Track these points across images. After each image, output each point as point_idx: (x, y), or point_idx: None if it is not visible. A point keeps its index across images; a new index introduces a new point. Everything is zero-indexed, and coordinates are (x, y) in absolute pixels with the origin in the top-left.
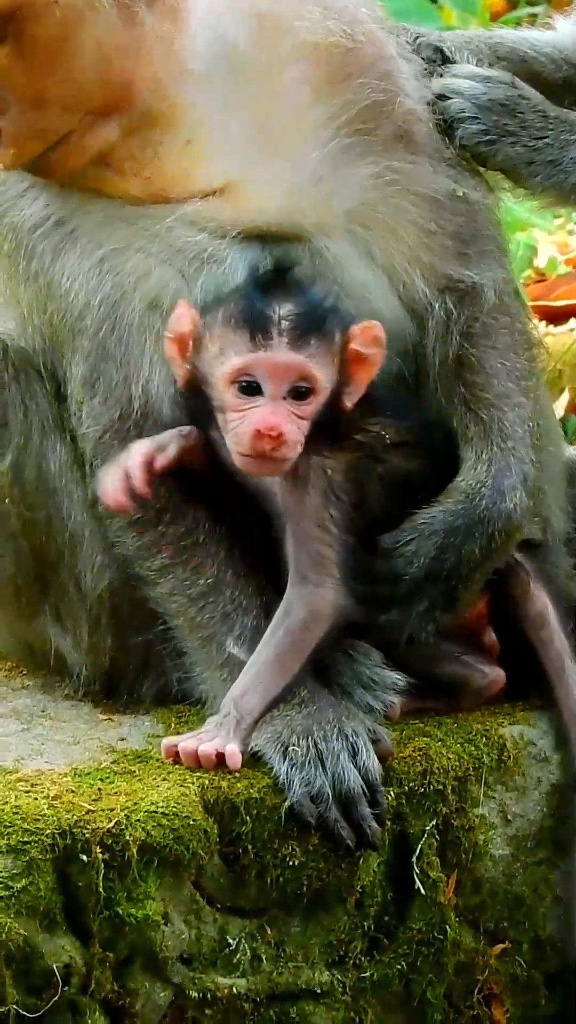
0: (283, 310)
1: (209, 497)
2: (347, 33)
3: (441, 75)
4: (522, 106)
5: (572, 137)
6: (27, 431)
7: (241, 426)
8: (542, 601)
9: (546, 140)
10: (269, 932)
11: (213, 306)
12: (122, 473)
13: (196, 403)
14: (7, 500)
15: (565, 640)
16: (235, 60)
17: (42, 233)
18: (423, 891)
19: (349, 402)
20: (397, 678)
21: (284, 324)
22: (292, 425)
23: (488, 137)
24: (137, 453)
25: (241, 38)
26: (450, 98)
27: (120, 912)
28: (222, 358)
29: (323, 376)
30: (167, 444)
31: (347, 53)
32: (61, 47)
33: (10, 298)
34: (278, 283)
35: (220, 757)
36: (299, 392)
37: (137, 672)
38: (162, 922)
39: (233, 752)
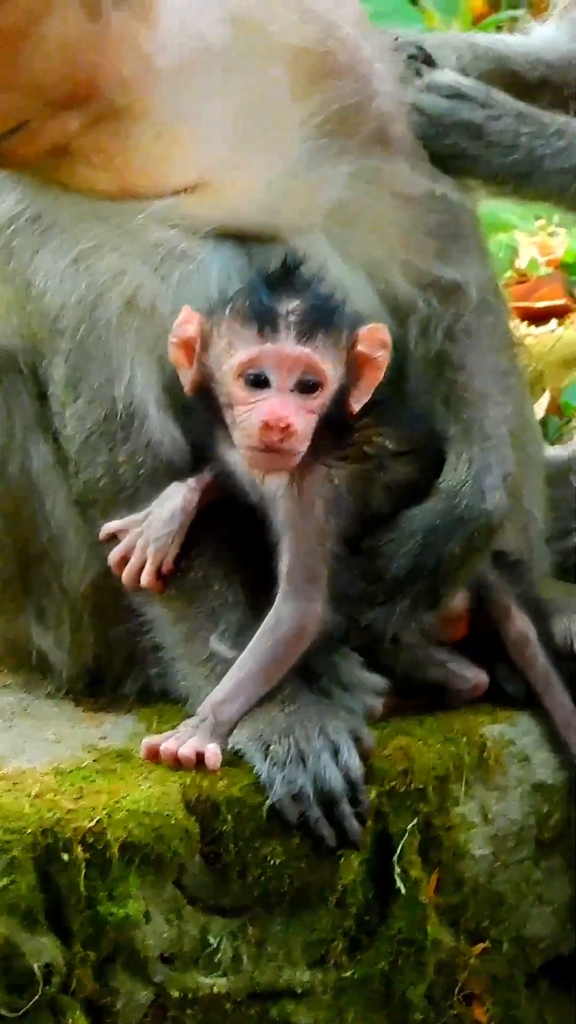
0: (291, 304)
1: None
2: (322, 36)
3: (421, 75)
4: (489, 127)
5: (547, 151)
6: (10, 430)
7: (249, 419)
8: (523, 622)
9: (514, 157)
10: (250, 931)
11: (220, 305)
12: (139, 562)
13: (204, 407)
14: None
15: (547, 655)
16: (209, 58)
17: (16, 229)
18: (404, 890)
19: (356, 405)
20: (378, 680)
21: (292, 317)
22: (300, 417)
23: (449, 158)
24: (148, 572)
25: (216, 38)
26: (417, 113)
27: (101, 911)
28: (230, 351)
29: (330, 370)
30: (171, 541)
31: (323, 56)
32: (23, 36)
33: None
34: (285, 279)
35: (200, 756)
36: (306, 385)
37: (120, 670)
38: (143, 921)
39: (214, 752)
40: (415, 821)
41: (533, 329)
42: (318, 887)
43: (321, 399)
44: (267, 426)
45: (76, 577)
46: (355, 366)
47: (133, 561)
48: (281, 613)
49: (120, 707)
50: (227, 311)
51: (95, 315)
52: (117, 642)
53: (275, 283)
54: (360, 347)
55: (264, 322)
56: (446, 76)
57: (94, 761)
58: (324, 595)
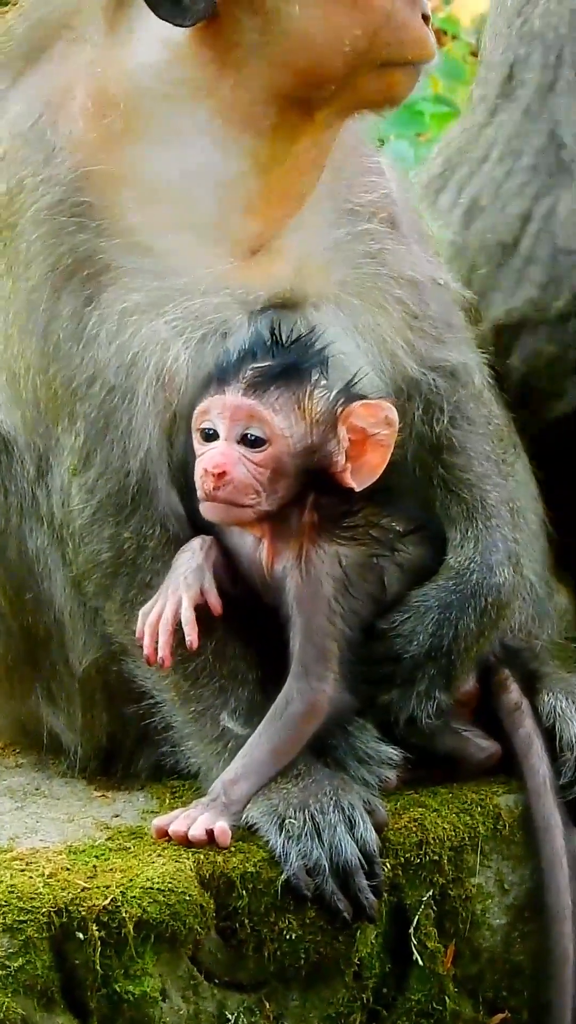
0: (253, 362)
1: None
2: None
3: None
4: None
5: None
6: (6, 512)
7: (196, 470)
8: (517, 693)
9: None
10: (268, 1006)
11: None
12: (170, 627)
13: None
14: None
15: (534, 723)
16: None
17: (61, 287)
18: (421, 962)
19: (357, 483)
20: (393, 753)
21: (246, 373)
22: (240, 467)
23: None
24: (187, 607)
25: None
26: None
27: (118, 989)
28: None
29: (280, 425)
30: (203, 580)
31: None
32: None
33: (2, 362)
34: (267, 344)
35: (210, 834)
36: (252, 439)
37: (133, 747)
38: (160, 998)
39: (223, 829)
40: (431, 892)
41: None
42: (334, 960)
43: (269, 454)
44: (205, 474)
45: (79, 658)
46: (353, 442)
47: (163, 619)
48: (291, 692)
49: (132, 785)
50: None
51: (126, 384)
52: (129, 720)
53: (255, 346)
54: (356, 420)
55: (219, 377)
56: None
57: (107, 839)
58: (335, 674)
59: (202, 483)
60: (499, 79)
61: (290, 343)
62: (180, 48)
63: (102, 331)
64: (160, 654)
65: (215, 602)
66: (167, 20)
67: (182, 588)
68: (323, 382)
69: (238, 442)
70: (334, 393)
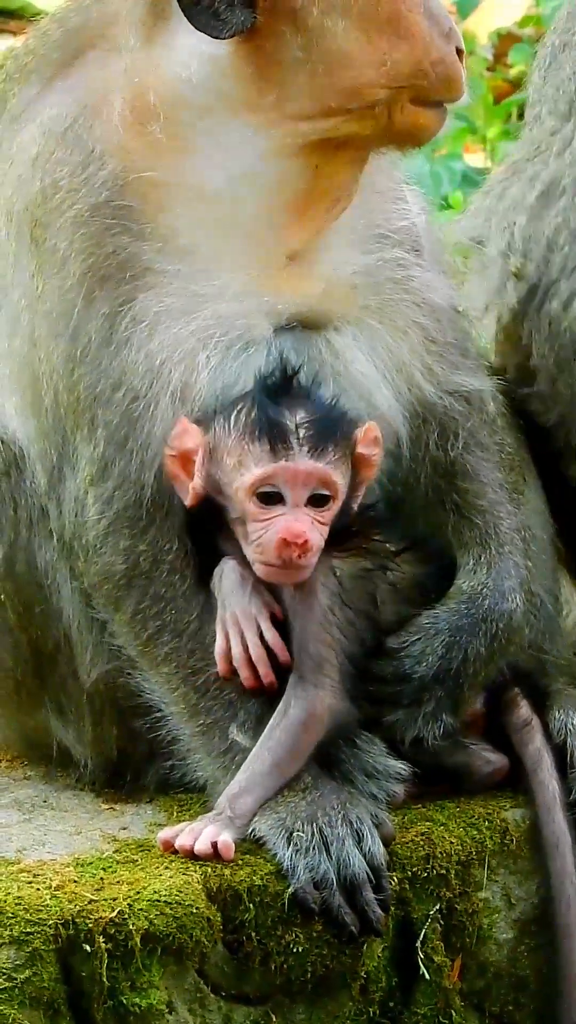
0: (298, 417)
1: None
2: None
3: None
4: None
5: None
6: (16, 526)
7: (265, 535)
8: (527, 710)
9: None
10: (274, 1019)
11: (221, 416)
12: (261, 653)
13: (206, 516)
14: (1, 594)
15: (544, 739)
16: None
17: (97, 289)
18: (427, 976)
19: (355, 503)
20: (401, 768)
21: (302, 432)
22: (315, 532)
23: None
24: (268, 629)
25: None
26: None
27: (124, 1001)
28: (241, 470)
29: (342, 481)
30: (263, 596)
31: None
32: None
33: (24, 365)
34: (285, 388)
35: (215, 847)
36: (319, 498)
37: (141, 760)
38: (166, 1011)
39: (226, 843)
40: (438, 906)
41: None
42: (341, 974)
43: (333, 510)
44: (285, 543)
45: (87, 671)
46: (356, 466)
47: (252, 648)
48: (289, 701)
49: (140, 797)
50: (231, 425)
51: (151, 393)
52: (138, 733)
53: (276, 393)
54: (359, 448)
55: (275, 438)
56: None
57: (115, 852)
58: (333, 682)
59: (279, 552)
60: None
61: (308, 387)
62: (221, 63)
63: (133, 335)
64: (265, 682)
65: (278, 610)
66: (204, 32)
67: (255, 611)
68: (349, 422)
69: (304, 504)
70: (351, 430)
